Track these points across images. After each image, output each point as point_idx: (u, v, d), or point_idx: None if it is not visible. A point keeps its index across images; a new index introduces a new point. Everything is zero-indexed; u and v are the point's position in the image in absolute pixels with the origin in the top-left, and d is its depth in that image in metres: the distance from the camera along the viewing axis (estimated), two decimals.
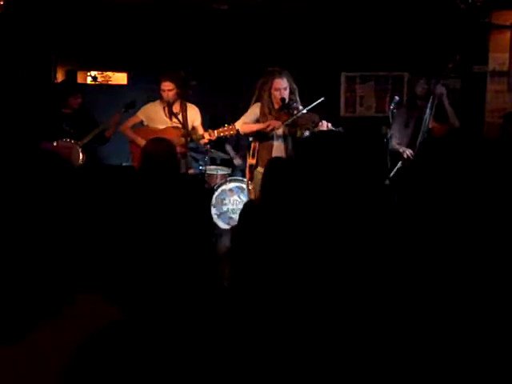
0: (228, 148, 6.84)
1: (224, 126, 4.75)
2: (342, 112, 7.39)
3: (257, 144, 4.70)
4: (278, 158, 3.94)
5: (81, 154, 5.21)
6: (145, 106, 5.11)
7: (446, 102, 4.86)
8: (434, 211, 1.53)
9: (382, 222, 1.70)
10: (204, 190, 3.45)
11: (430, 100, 4.78)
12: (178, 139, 4.81)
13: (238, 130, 4.71)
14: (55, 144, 5.15)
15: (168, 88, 4.91)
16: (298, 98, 4.62)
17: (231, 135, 4.81)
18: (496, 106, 5.63)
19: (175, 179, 3.30)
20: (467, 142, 1.59)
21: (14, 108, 5.94)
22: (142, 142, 4.97)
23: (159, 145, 3.39)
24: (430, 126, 4.81)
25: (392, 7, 6.47)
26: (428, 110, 4.78)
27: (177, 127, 4.93)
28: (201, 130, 4.98)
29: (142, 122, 5.12)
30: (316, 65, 6.84)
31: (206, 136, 4.74)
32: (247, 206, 3.56)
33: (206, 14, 6.84)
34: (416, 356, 1.35)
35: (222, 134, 4.74)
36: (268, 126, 4.52)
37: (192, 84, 5.33)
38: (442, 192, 1.50)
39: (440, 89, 4.79)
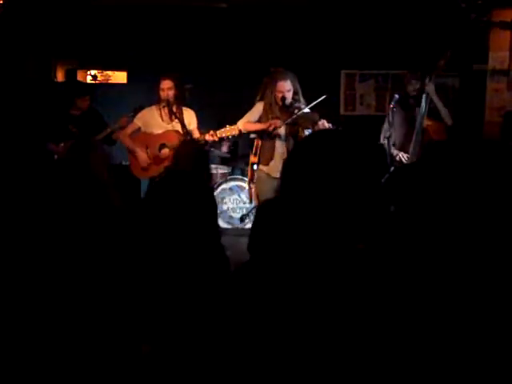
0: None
1: (226, 127, 4.75)
2: (342, 110, 7.39)
3: (259, 142, 4.71)
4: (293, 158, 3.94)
5: None
6: (140, 112, 5.07)
7: (435, 99, 4.77)
8: (436, 214, 1.54)
9: (379, 223, 1.71)
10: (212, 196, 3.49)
11: (423, 98, 4.72)
12: (178, 141, 4.79)
13: (240, 130, 4.72)
14: (61, 145, 5.15)
15: (168, 86, 4.88)
16: (301, 99, 4.62)
17: (233, 136, 4.80)
18: (496, 104, 5.62)
19: (204, 182, 3.34)
20: (469, 143, 1.59)
21: (16, 109, 5.93)
22: (140, 152, 4.96)
23: (190, 147, 3.44)
24: (425, 125, 4.74)
25: (392, 5, 6.47)
26: (422, 109, 4.72)
27: (175, 130, 4.92)
28: (196, 133, 4.97)
29: (139, 128, 5.09)
30: (316, 63, 6.84)
31: (209, 137, 4.73)
32: (265, 204, 3.54)
33: (205, 13, 6.84)
34: (416, 356, 1.35)
35: (223, 135, 4.74)
36: (269, 126, 4.53)
37: (187, 87, 5.31)
38: (445, 194, 1.51)
39: (429, 86, 4.72)
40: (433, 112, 4.77)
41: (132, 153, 5.01)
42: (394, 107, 4.87)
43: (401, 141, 4.91)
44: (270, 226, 2.81)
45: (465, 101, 6.51)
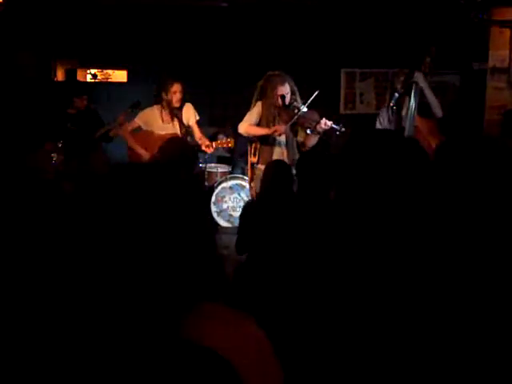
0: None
1: (222, 139, 5.24)
2: (342, 109, 7.39)
3: (258, 143, 4.72)
4: (278, 161, 3.95)
5: None
6: (142, 111, 5.14)
7: (427, 91, 4.67)
8: (438, 211, 1.54)
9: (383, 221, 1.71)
10: (201, 191, 3.51)
11: (412, 90, 4.63)
12: None
13: (237, 135, 4.96)
14: (60, 145, 5.16)
15: (180, 89, 4.98)
16: (298, 98, 4.63)
17: (229, 148, 5.39)
18: (496, 103, 5.62)
19: (188, 179, 3.32)
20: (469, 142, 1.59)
21: (15, 108, 5.94)
22: (140, 150, 5.01)
23: (176, 145, 3.42)
24: (416, 124, 4.67)
25: (392, 4, 6.47)
26: (411, 103, 4.64)
27: (175, 134, 4.98)
28: (196, 130, 5.05)
29: (139, 127, 5.15)
30: (316, 62, 6.84)
31: (206, 149, 4.95)
32: (247, 205, 3.57)
33: (205, 12, 6.84)
34: (416, 356, 1.35)
35: (220, 146, 5.25)
36: (274, 131, 4.52)
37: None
38: (451, 191, 1.51)
39: (418, 74, 4.63)
40: (423, 108, 4.68)
41: (133, 150, 5.07)
42: (393, 105, 4.85)
43: None
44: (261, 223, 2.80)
45: (465, 99, 6.51)
